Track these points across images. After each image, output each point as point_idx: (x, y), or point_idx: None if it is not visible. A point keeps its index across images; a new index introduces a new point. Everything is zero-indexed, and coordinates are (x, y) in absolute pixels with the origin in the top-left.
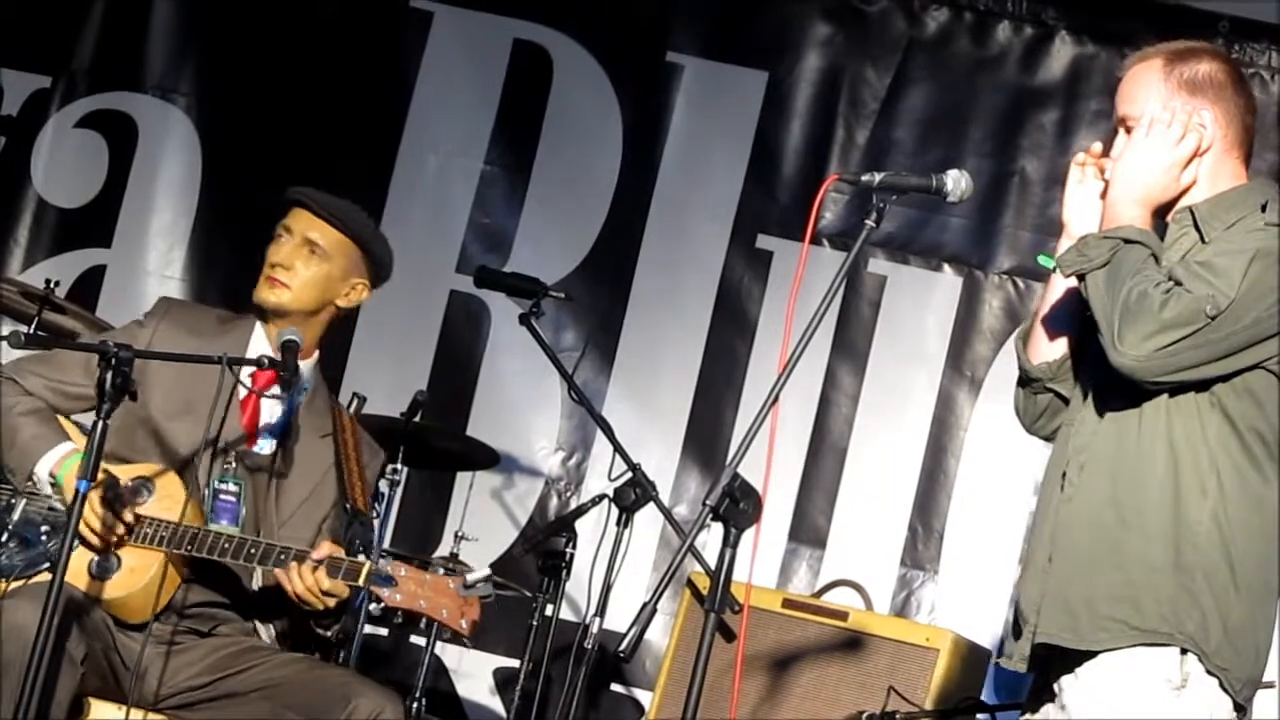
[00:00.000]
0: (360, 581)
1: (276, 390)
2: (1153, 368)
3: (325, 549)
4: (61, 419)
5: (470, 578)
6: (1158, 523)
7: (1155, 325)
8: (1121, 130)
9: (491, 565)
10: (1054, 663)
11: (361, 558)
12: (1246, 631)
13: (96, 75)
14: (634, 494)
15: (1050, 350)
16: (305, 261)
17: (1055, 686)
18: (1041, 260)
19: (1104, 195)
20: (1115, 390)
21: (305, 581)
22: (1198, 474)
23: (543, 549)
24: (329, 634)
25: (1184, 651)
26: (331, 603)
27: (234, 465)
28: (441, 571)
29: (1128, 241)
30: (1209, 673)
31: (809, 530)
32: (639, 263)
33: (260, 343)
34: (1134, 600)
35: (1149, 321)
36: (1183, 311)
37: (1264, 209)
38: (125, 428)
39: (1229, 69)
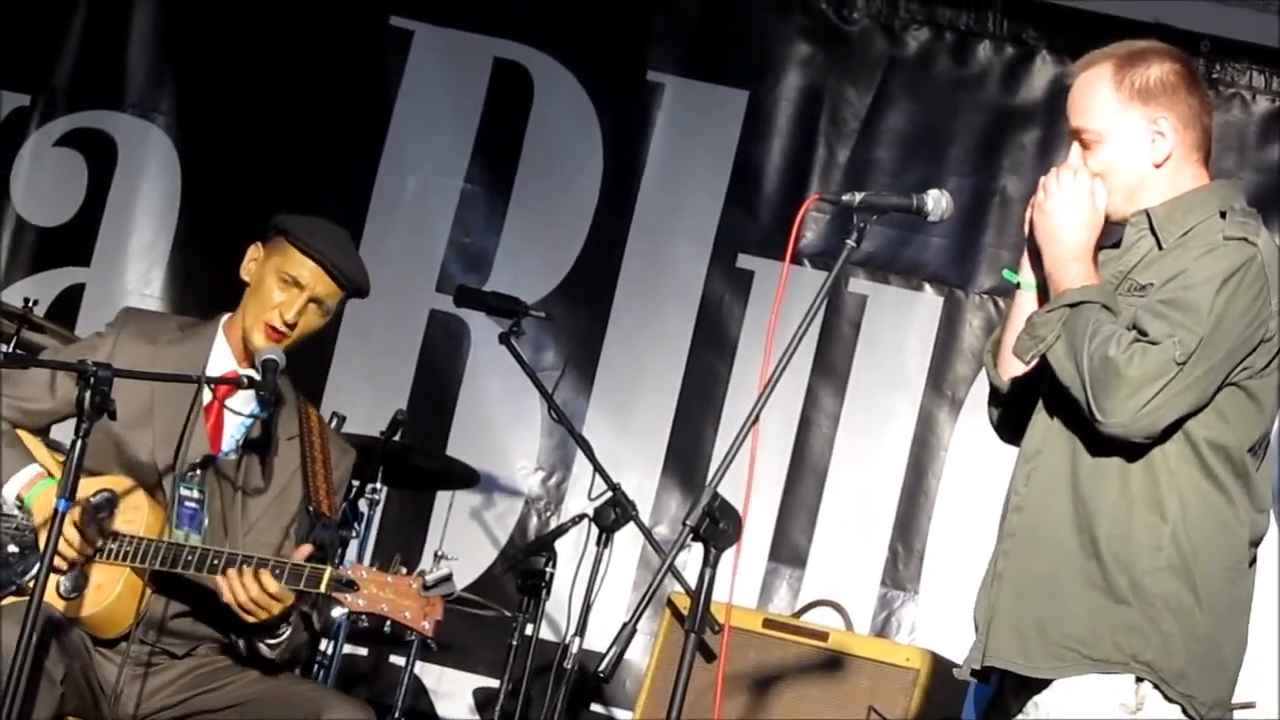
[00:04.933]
0: (322, 587)
1: (248, 407)
2: (1141, 428)
3: (303, 552)
4: (27, 436)
5: (430, 578)
6: (1114, 550)
7: (1127, 387)
8: (1075, 143)
9: (471, 585)
10: (1006, 681)
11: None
12: (1212, 653)
13: (76, 94)
14: (614, 513)
15: (1021, 365)
16: (308, 318)
17: (1009, 707)
18: (1006, 275)
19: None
20: (1066, 399)
21: (250, 591)
22: (1155, 497)
23: (522, 568)
24: (273, 654)
25: (1139, 680)
26: (277, 609)
27: (197, 471)
28: (404, 571)
29: (1072, 306)
30: (1169, 699)
31: (789, 550)
32: (619, 282)
33: (222, 350)
34: (1090, 630)
35: (1120, 385)
36: (1150, 366)
37: (1223, 215)
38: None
39: (1180, 68)
